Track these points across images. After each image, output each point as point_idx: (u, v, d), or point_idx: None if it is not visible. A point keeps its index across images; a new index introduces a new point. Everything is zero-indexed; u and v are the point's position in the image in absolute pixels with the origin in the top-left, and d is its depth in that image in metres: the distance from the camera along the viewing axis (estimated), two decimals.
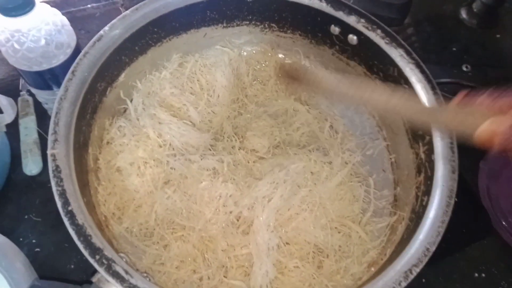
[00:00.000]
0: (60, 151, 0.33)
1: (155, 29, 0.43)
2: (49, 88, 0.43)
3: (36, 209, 0.45)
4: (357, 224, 0.40)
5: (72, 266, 0.42)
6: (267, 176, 0.40)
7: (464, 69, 0.50)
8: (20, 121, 0.49)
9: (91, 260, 0.28)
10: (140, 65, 0.45)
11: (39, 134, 0.49)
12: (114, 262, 0.29)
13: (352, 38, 0.45)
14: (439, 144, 0.37)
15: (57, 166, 0.32)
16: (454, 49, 0.57)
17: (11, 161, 0.47)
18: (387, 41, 0.42)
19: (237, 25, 0.49)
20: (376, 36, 0.43)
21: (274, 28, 0.49)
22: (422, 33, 0.59)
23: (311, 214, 0.39)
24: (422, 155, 0.39)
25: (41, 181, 0.47)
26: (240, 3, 0.46)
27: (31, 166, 0.47)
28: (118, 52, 0.40)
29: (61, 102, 0.35)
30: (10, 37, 0.38)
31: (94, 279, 0.30)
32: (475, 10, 0.59)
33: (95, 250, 0.29)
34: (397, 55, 0.42)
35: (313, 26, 0.47)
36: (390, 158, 0.46)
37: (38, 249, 0.43)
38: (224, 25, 0.48)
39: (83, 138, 0.37)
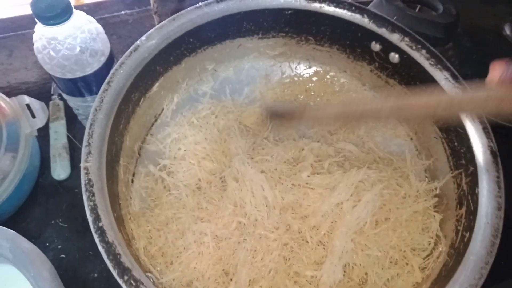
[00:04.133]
0: (93, 163, 0.32)
1: (191, 40, 0.43)
2: (81, 95, 0.43)
3: (62, 214, 0.45)
4: (418, 258, 0.38)
5: (96, 275, 0.42)
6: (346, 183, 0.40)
7: None
8: (51, 125, 0.49)
9: (120, 281, 0.28)
10: (174, 75, 0.44)
11: (69, 138, 0.49)
12: (142, 284, 0.28)
13: (394, 57, 0.43)
14: (484, 177, 0.35)
15: (89, 180, 0.32)
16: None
17: (40, 165, 0.47)
18: (431, 63, 0.40)
19: (273, 37, 0.48)
20: (420, 57, 0.41)
21: (311, 41, 0.48)
22: (461, 48, 0.55)
23: (381, 234, 0.39)
24: (465, 187, 0.37)
25: (68, 186, 0.47)
26: (278, 15, 0.45)
27: (59, 170, 0.47)
28: (153, 62, 0.40)
29: (96, 113, 0.35)
30: (47, 44, 0.38)
31: None
32: None
33: (124, 270, 0.29)
34: (442, 78, 0.39)
35: (352, 41, 0.45)
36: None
37: (63, 255, 0.43)
38: (260, 36, 0.47)
39: (115, 149, 0.37)
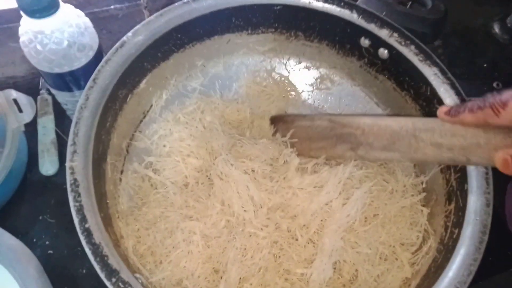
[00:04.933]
0: (79, 163, 0.32)
1: (179, 35, 0.42)
2: (69, 90, 0.43)
3: (51, 210, 0.45)
4: (407, 253, 0.38)
5: (84, 271, 0.41)
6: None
7: (495, 86, 0.48)
8: (39, 120, 0.49)
9: (107, 283, 0.28)
10: (162, 72, 0.44)
11: (57, 134, 0.48)
12: (131, 286, 0.28)
13: (383, 52, 0.43)
14: (473, 174, 0.35)
15: (75, 180, 0.31)
16: (485, 65, 0.54)
17: (28, 160, 0.47)
18: (421, 58, 0.40)
19: (262, 33, 0.47)
20: (409, 52, 0.41)
21: (300, 37, 0.47)
22: (450, 47, 0.56)
23: (370, 231, 0.39)
24: (454, 183, 0.37)
25: (57, 181, 0.46)
26: (267, 10, 0.44)
27: (47, 166, 0.46)
28: (141, 58, 0.39)
29: (81, 111, 0.34)
30: (33, 38, 0.37)
31: None
32: (508, 25, 0.56)
33: (111, 272, 0.28)
34: (431, 73, 0.39)
35: (342, 37, 0.45)
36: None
37: (51, 251, 0.42)
38: (249, 32, 0.46)
39: (102, 147, 0.36)
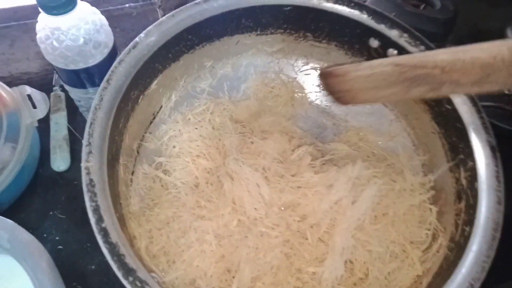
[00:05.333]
0: (95, 163, 0.32)
1: (190, 36, 0.42)
2: (83, 86, 0.43)
3: (61, 206, 0.45)
4: (417, 251, 0.38)
5: (93, 267, 0.42)
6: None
7: (507, 92, 0.48)
8: (51, 116, 0.49)
9: (124, 282, 0.28)
10: (172, 72, 0.44)
11: (69, 130, 0.49)
12: (148, 284, 0.28)
13: (393, 53, 0.43)
14: (484, 172, 0.35)
15: (91, 180, 0.31)
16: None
17: (40, 156, 0.47)
18: None
19: (271, 33, 0.47)
20: (418, 52, 0.41)
21: (309, 38, 0.48)
22: None
23: (380, 229, 0.39)
24: (463, 181, 0.37)
25: (68, 177, 0.47)
26: (276, 11, 0.44)
27: (59, 162, 0.47)
28: (152, 59, 0.39)
29: (96, 112, 0.34)
30: (50, 34, 0.38)
31: None
32: None
33: (128, 271, 0.28)
34: None
35: (351, 38, 0.45)
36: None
37: (60, 247, 0.43)
38: (258, 32, 0.47)
39: (115, 148, 0.36)
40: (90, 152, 0.32)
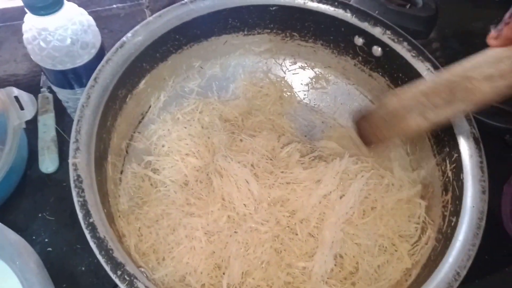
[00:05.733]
0: (82, 160, 0.32)
1: (177, 36, 0.43)
2: (71, 87, 0.43)
3: (50, 208, 0.45)
4: (406, 244, 0.39)
5: (83, 268, 0.41)
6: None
7: None
8: (39, 117, 0.49)
9: (113, 276, 0.28)
10: (160, 72, 0.44)
11: (57, 132, 0.49)
12: (136, 278, 0.28)
13: (377, 50, 0.44)
14: (468, 163, 0.36)
15: (78, 176, 0.31)
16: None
17: (28, 157, 0.47)
18: (413, 54, 0.41)
19: (258, 33, 0.48)
20: (402, 49, 0.42)
21: (295, 37, 0.48)
22: (448, 49, 0.57)
23: (369, 223, 0.39)
24: (450, 173, 0.38)
25: (56, 179, 0.47)
26: (262, 11, 0.45)
27: (47, 163, 0.47)
28: (140, 59, 0.40)
29: (83, 110, 0.34)
30: (37, 35, 0.38)
31: None
32: None
33: (116, 265, 0.28)
34: (424, 69, 0.41)
35: (336, 36, 0.46)
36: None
37: (50, 249, 0.42)
38: (245, 33, 0.47)
39: (103, 146, 0.36)
40: (77, 148, 0.32)
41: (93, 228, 0.29)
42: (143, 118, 0.45)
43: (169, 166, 0.41)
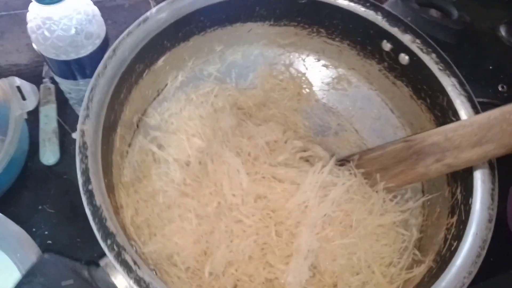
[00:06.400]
0: (90, 127, 0.32)
1: (202, 18, 0.42)
2: (74, 78, 0.42)
3: (51, 200, 0.44)
4: (384, 267, 0.38)
5: (83, 262, 0.39)
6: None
7: (500, 89, 0.47)
8: (41, 108, 0.48)
9: (102, 244, 0.28)
10: (181, 52, 0.44)
11: (59, 123, 0.48)
12: (125, 250, 0.28)
13: (404, 58, 0.42)
14: (479, 188, 0.34)
15: (84, 143, 0.32)
16: (490, 67, 0.53)
17: (29, 149, 0.47)
18: (440, 67, 0.40)
19: (284, 25, 0.47)
20: (430, 60, 0.40)
21: (322, 34, 0.47)
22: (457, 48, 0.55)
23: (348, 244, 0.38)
24: (459, 196, 0.37)
25: (57, 171, 0.46)
26: (291, 3, 0.44)
27: (48, 155, 0.46)
28: (161, 35, 0.40)
29: (98, 79, 0.34)
30: (41, 24, 0.37)
31: (102, 263, 0.29)
32: None
33: (107, 234, 0.29)
34: (449, 83, 0.39)
35: (364, 38, 0.45)
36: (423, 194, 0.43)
37: (50, 242, 0.42)
38: (271, 23, 0.47)
39: (114, 117, 0.37)
40: (87, 116, 0.33)
41: (90, 195, 0.30)
42: (158, 95, 0.46)
43: (174, 144, 0.41)
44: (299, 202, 0.38)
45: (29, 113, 0.44)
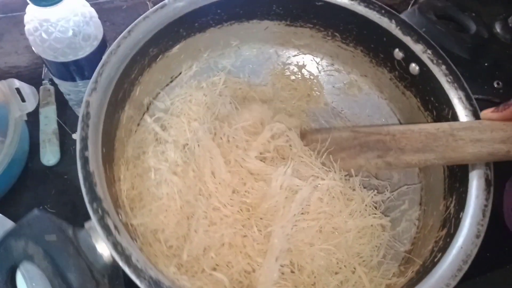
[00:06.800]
0: (95, 100, 0.34)
1: (219, 11, 0.44)
2: (73, 79, 0.43)
3: (51, 200, 0.45)
4: (363, 267, 0.37)
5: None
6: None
7: (496, 85, 0.46)
8: (41, 110, 0.49)
9: (88, 207, 0.30)
10: (196, 42, 0.46)
11: (59, 124, 0.49)
12: (108, 215, 0.30)
13: (414, 68, 0.42)
14: (472, 204, 0.33)
15: (88, 113, 0.33)
16: (486, 64, 0.52)
17: (29, 150, 0.48)
18: (449, 80, 0.39)
19: (300, 26, 0.48)
20: (439, 71, 0.40)
21: (336, 38, 0.48)
22: None
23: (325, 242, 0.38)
24: (452, 210, 0.36)
25: (57, 171, 0.47)
26: (308, 4, 0.45)
27: (49, 156, 0.47)
28: (177, 23, 0.41)
29: (110, 56, 0.37)
30: (38, 26, 0.37)
31: (86, 225, 0.31)
32: (510, 25, 0.53)
33: (95, 198, 0.30)
34: (455, 96, 0.38)
35: (377, 45, 0.45)
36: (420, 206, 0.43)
37: None
38: (288, 23, 0.48)
39: (122, 94, 0.39)
40: (94, 88, 0.35)
41: (85, 161, 0.31)
42: (171, 81, 0.47)
43: (176, 126, 0.42)
44: (268, 204, 0.38)
45: (29, 114, 0.44)
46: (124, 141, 0.41)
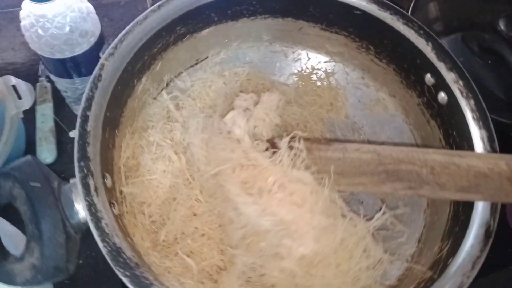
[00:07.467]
0: (110, 64, 0.35)
1: (254, 2, 0.44)
2: (69, 76, 0.42)
3: None
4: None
5: (81, 261, 0.41)
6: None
7: None
8: (37, 107, 0.49)
9: (76, 163, 0.31)
10: (227, 30, 0.46)
11: (56, 122, 0.48)
12: (92, 175, 0.31)
13: (443, 98, 0.39)
14: (463, 252, 0.31)
15: (99, 75, 0.34)
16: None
17: (26, 148, 0.47)
18: (475, 116, 0.36)
19: (336, 32, 0.46)
20: (466, 105, 0.37)
21: (370, 51, 0.46)
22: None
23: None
24: (444, 254, 0.33)
25: (54, 170, 0.44)
26: (346, 11, 0.43)
27: (45, 154, 0.46)
28: (208, 7, 0.41)
29: (135, 26, 0.37)
30: (35, 22, 0.37)
31: (71, 181, 0.32)
32: None
33: (84, 157, 0.31)
34: (478, 136, 0.35)
35: (410, 67, 0.42)
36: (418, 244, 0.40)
37: None
38: (323, 27, 0.46)
39: (141, 65, 0.39)
40: (112, 54, 0.36)
41: (85, 119, 0.33)
42: (196, 63, 0.48)
43: (189, 109, 0.43)
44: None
45: (25, 112, 0.43)
46: (136, 111, 0.42)
